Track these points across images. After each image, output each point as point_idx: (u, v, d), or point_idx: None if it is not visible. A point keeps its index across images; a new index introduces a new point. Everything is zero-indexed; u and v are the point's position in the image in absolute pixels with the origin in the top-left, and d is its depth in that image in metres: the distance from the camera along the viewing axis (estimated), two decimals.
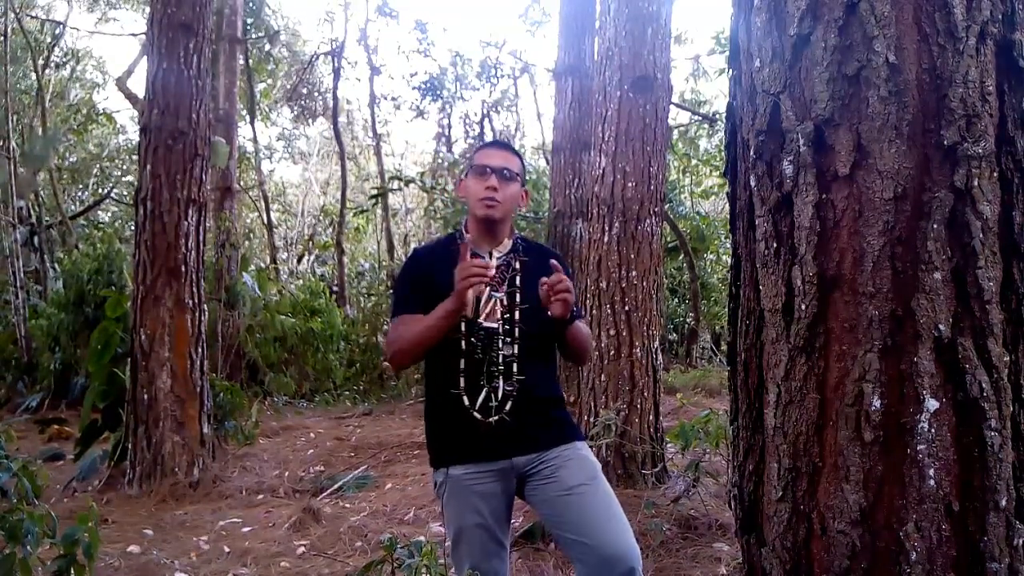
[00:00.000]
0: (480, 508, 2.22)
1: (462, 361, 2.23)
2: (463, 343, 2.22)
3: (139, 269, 5.80)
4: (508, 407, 2.21)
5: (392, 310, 2.36)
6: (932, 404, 1.42)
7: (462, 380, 2.22)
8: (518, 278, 2.31)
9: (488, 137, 17.05)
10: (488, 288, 2.23)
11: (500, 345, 2.24)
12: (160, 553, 4.23)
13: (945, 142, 1.43)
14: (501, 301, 2.26)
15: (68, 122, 16.68)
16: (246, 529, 4.72)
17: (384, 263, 16.30)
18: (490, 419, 2.20)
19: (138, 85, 14.80)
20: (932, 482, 1.41)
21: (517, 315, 2.27)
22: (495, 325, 2.24)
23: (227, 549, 4.31)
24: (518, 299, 2.29)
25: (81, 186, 18.28)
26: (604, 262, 5.03)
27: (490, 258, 2.29)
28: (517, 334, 2.25)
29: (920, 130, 1.44)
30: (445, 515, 2.31)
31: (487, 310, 2.25)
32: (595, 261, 5.08)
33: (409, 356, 2.29)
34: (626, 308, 4.95)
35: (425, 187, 11.24)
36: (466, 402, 2.21)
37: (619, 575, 2.11)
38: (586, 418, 4.94)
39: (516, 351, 2.25)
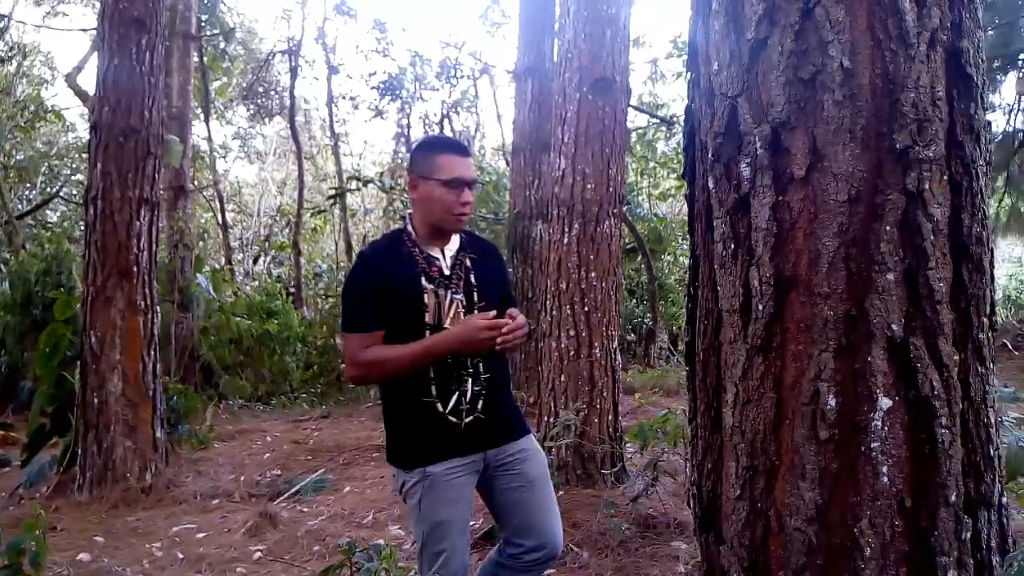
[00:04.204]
0: (457, 501, 2.28)
1: (431, 369, 2.23)
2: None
3: (89, 270, 5.66)
4: (479, 406, 2.26)
5: (345, 324, 2.30)
6: (885, 403, 1.45)
7: (434, 388, 2.23)
8: (472, 276, 2.33)
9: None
10: (449, 291, 2.25)
11: None
12: (111, 561, 4.13)
13: (897, 146, 1.46)
14: (461, 302, 2.28)
15: (15, 119, 16.20)
16: (201, 535, 4.63)
17: (342, 264, 16.15)
18: (465, 420, 2.24)
19: (88, 82, 14.45)
20: (885, 479, 1.44)
21: (477, 312, 2.29)
22: None
23: (181, 555, 4.23)
24: (476, 298, 2.31)
25: (28, 185, 17.77)
26: (564, 263, 5.05)
27: (443, 258, 2.30)
28: None
29: (873, 134, 1.47)
30: (418, 512, 2.29)
31: (451, 314, 2.26)
32: (555, 262, 5.09)
33: (380, 380, 2.32)
34: (585, 309, 4.97)
35: (384, 187, 11.14)
36: (439, 408, 2.23)
37: (550, 558, 2.39)
38: (546, 418, 4.94)
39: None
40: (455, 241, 2.36)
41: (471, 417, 2.25)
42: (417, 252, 2.29)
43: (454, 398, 2.24)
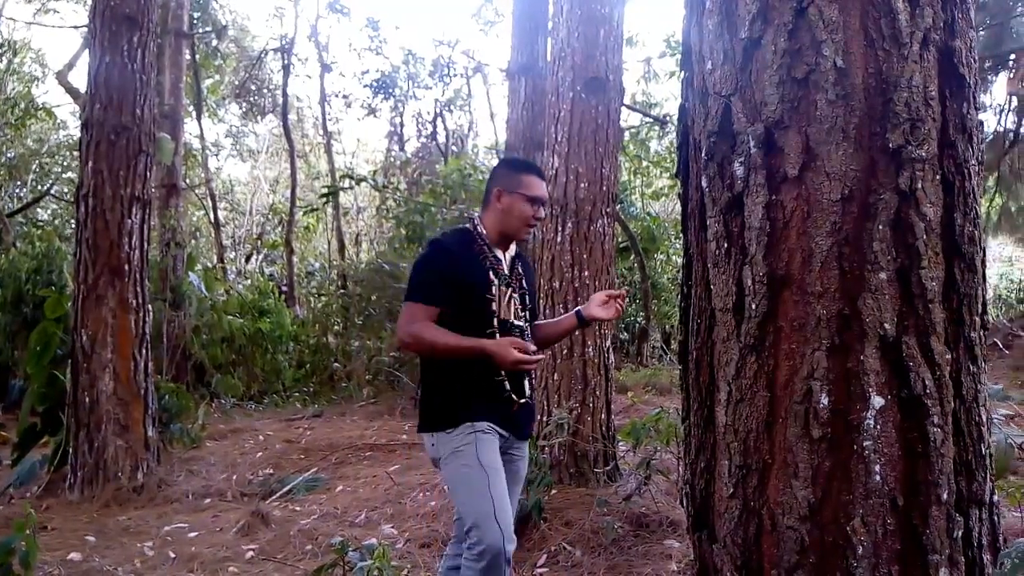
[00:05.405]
0: (499, 455, 2.46)
1: None
2: (498, 337, 2.46)
3: (80, 268, 5.63)
4: (528, 393, 2.57)
5: (413, 293, 2.49)
6: (878, 401, 1.45)
7: (503, 370, 2.46)
8: (523, 281, 2.63)
9: (441, 137, 17.01)
10: (510, 289, 2.55)
11: (525, 340, 2.53)
12: (103, 560, 4.11)
13: (890, 145, 1.46)
14: (517, 301, 2.57)
15: (5, 116, 16.11)
16: (193, 534, 4.61)
17: (335, 262, 16.11)
18: (522, 399, 2.52)
19: (80, 79, 14.36)
20: (878, 477, 1.44)
21: (527, 315, 2.63)
22: (522, 324, 2.57)
23: (173, 555, 4.21)
24: (527, 300, 2.64)
25: (19, 183, 17.65)
26: (557, 262, 5.05)
27: (504, 260, 2.60)
28: (528, 332, 2.61)
29: (866, 133, 1.48)
30: (474, 463, 2.38)
31: (512, 309, 2.54)
32: (548, 261, 5.09)
33: (421, 353, 2.55)
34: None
35: (377, 186, 11.13)
36: (507, 386, 2.48)
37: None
38: (539, 417, 4.94)
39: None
40: (512, 248, 2.66)
41: (524, 400, 2.52)
42: (487, 251, 2.56)
43: (525, 384, 2.53)
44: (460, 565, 2.51)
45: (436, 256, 2.51)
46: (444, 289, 2.44)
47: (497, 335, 2.46)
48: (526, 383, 2.56)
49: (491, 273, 2.52)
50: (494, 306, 2.49)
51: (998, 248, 17.89)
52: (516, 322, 2.54)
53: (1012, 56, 8.70)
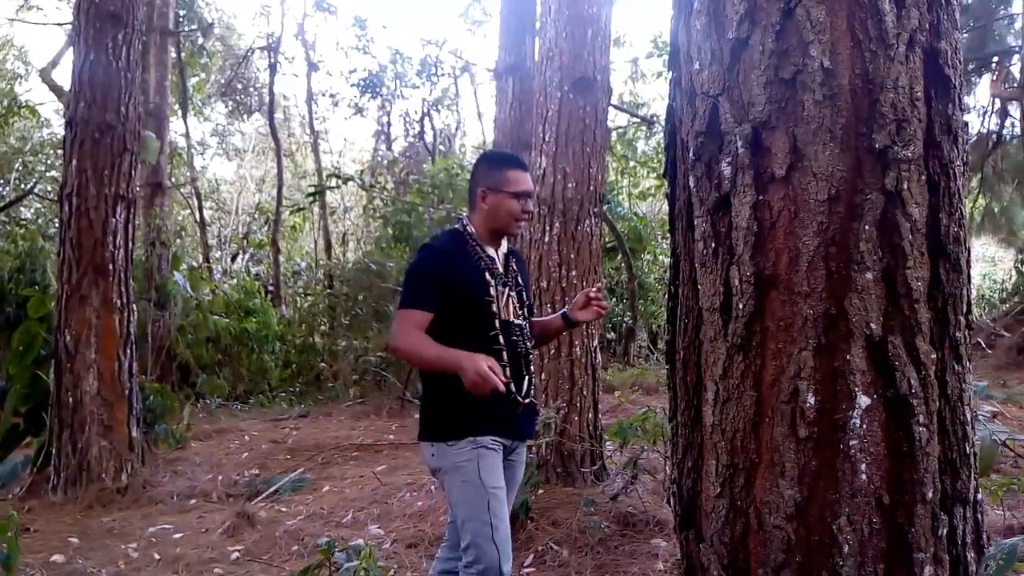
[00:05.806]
0: (501, 471, 2.42)
1: (505, 354, 2.44)
2: (501, 338, 2.44)
3: (64, 267, 5.59)
4: (532, 393, 2.54)
5: (408, 299, 2.45)
6: (864, 400, 1.46)
7: (507, 371, 2.40)
8: (519, 277, 2.59)
9: (428, 136, 16.99)
10: (507, 288, 2.51)
11: (525, 340, 2.53)
12: (86, 562, 4.08)
13: (876, 145, 1.47)
14: (514, 299, 2.53)
15: None
16: (178, 535, 4.59)
17: (321, 262, 16.05)
18: (526, 400, 2.48)
19: (64, 77, 14.27)
20: (864, 476, 1.45)
21: (526, 312, 2.59)
22: (521, 322, 2.54)
23: (157, 556, 4.19)
24: (524, 296, 2.59)
25: (2, 181, 17.50)
26: (544, 262, 5.05)
27: (497, 258, 2.56)
28: (527, 329, 2.58)
29: (853, 133, 1.48)
30: (475, 482, 2.34)
31: (511, 308, 2.51)
32: (536, 261, 5.09)
33: (410, 362, 2.58)
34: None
35: (364, 185, 11.11)
36: (512, 388, 2.44)
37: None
38: None
39: (530, 345, 2.57)
40: (504, 245, 2.61)
41: (528, 400, 2.49)
42: (480, 251, 2.52)
43: (525, 383, 2.49)
44: (451, 569, 2.50)
45: (429, 260, 2.47)
46: (439, 293, 2.39)
47: (500, 336, 2.43)
48: (525, 381, 2.51)
49: (487, 274, 2.48)
50: (494, 307, 2.45)
51: (981, 248, 18.06)
52: (516, 321, 2.51)
53: (995, 58, 8.79)
